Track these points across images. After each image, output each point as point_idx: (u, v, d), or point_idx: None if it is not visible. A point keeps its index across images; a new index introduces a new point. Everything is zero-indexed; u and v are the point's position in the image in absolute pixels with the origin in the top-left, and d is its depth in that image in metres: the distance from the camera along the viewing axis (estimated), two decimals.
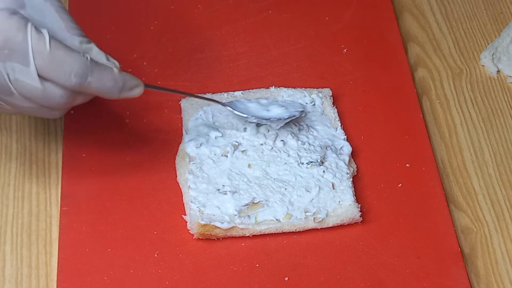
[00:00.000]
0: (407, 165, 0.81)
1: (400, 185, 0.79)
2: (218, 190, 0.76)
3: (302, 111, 0.81)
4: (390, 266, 0.74)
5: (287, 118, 0.79)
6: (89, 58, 0.67)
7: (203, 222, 0.74)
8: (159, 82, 0.85)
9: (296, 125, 0.81)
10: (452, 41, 0.93)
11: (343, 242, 0.75)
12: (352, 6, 0.94)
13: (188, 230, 0.75)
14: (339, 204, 0.76)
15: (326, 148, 0.80)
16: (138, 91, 0.71)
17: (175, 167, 0.79)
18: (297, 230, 0.75)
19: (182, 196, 0.77)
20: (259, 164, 0.78)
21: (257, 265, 0.74)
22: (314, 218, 0.75)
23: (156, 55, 0.87)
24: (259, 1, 0.93)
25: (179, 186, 0.78)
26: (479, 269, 0.76)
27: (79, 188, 0.77)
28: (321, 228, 0.76)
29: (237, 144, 0.79)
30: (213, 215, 0.75)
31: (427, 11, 0.95)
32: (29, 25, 0.65)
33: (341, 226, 0.76)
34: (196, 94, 0.80)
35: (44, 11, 0.69)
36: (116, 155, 0.80)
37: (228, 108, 0.79)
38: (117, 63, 0.70)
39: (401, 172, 0.80)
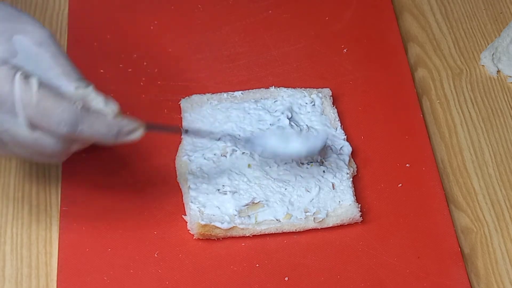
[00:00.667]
0: (407, 165, 0.81)
1: (400, 185, 0.79)
2: (218, 190, 0.76)
3: (323, 145, 0.78)
4: (390, 266, 0.74)
5: (304, 154, 0.77)
6: (79, 106, 0.65)
7: (203, 222, 0.74)
8: (159, 82, 0.85)
9: (297, 126, 0.81)
10: (452, 41, 0.93)
11: (343, 242, 0.75)
12: (352, 6, 0.94)
13: (188, 230, 0.75)
14: (339, 204, 0.76)
15: (326, 148, 0.80)
16: (136, 135, 0.69)
17: (175, 167, 0.79)
18: (297, 230, 0.75)
19: (182, 196, 0.77)
20: (259, 164, 0.78)
21: (257, 265, 0.74)
22: (314, 218, 0.75)
23: (156, 55, 0.87)
24: (259, 1, 0.93)
25: (179, 186, 0.78)
26: (479, 269, 0.76)
27: (79, 188, 0.77)
28: (321, 228, 0.76)
29: (235, 148, 0.79)
30: (213, 215, 0.75)
31: (427, 11, 0.95)
32: (17, 75, 0.64)
33: (341, 226, 0.76)
34: (200, 130, 0.78)
35: (38, 57, 0.67)
36: (116, 155, 0.80)
37: (243, 143, 0.77)
38: (115, 108, 0.68)
39: (401, 172, 0.80)
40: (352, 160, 0.80)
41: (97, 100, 0.67)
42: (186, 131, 0.81)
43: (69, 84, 0.66)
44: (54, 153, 0.67)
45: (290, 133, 0.79)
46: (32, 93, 0.64)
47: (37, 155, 0.68)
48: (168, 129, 0.76)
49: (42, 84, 0.65)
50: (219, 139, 0.78)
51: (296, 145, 0.76)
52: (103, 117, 0.67)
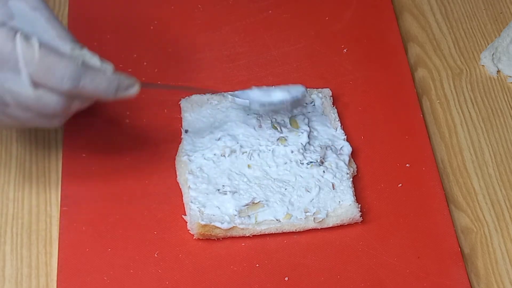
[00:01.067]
0: (407, 165, 0.81)
1: (400, 185, 0.79)
2: (218, 190, 0.76)
3: (304, 92, 0.81)
4: (390, 266, 0.74)
5: (290, 100, 0.80)
6: (80, 62, 0.67)
7: (203, 223, 0.74)
8: (159, 82, 0.85)
9: (295, 129, 0.81)
10: (452, 41, 0.93)
11: (343, 242, 0.75)
12: (352, 6, 0.94)
13: (188, 230, 0.75)
14: (339, 204, 0.76)
15: (326, 148, 0.80)
16: (134, 90, 0.71)
17: (175, 167, 0.79)
18: (297, 230, 0.75)
19: (182, 196, 0.77)
20: (259, 164, 0.78)
21: (257, 265, 0.74)
22: (314, 218, 0.75)
23: (156, 55, 0.87)
24: (259, 1, 0.93)
25: (179, 186, 0.78)
26: (479, 269, 0.76)
27: (79, 188, 0.77)
28: (321, 228, 0.76)
29: (235, 148, 0.79)
30: (213, 215, 0.75)
31: (427, 11, 0.95)
32: (18, 34, 0.66)
33: (341, 226, 0.76)
34: (193, 87, 0.79)
35: (34, 21, 0.69)
36: (116, 155, 0.80)
37: (230, 96, 0.80)
38: (110, 66, 0.70)
39: (401, 172, 0.80)
40: (352, 160, 0.80)
41: (93, 60, 0.69)
42: (186, 131, 0.81)
43: (65, 45, 0.68)
44: (56, 112, 0.68)
45: (271, 88, 0.81)
46: (34, 50, 0.66)
47: (39, 117, 0.69)
48: (162, 87, 0.78)
49: (42, 43, 0.66)
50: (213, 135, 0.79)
51: (280, 94, 0.80)
52: (103, 72, 0.69)
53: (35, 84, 0.66)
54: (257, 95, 0.80)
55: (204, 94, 0.82)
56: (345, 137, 0.81)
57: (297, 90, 0.80)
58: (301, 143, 0.79)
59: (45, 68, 0.66)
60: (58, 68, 0.66)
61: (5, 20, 0.68)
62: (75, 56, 0.68)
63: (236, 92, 0.80)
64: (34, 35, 0.67)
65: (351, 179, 0.78)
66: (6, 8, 0.68)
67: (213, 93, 0.82)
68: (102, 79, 0.69)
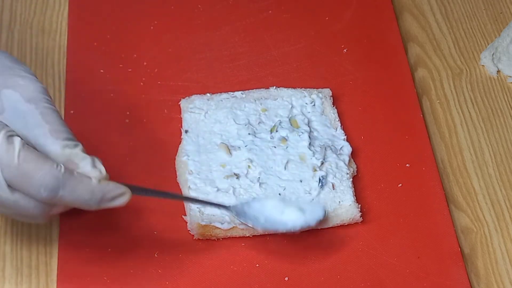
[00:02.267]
0: (407, 165, 0.81)
1: (400, 185, 0.79)
2: (218, 190, 0.76)
3: (321, 220, 0.74)
4: (390, 266, 0.74)
5: (300, 227, 0.73)
6: (62, 170, 0.63)
7: (203, 223, 0.74)
8: (159, 82, 0.85)
9: (295, 129, 0.81)
10: (452, 41, 0.93)
11: (343, 242, 0.75)
12: (352, 6, 0.94)
13: (189, 230, 0.75)
14: (339, 204, 0.76)
15: (326, 148, 0.80)
16: (122, 200, 0.66)
17: (175, 167, 0.79)
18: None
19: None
20: (259, 165, 0.78)
21: (257, 265, 0.74)
22: None
23: (156, 55, 0.87)
24: (259, 1, 0.93)
25: (179, 187, 0.78)
26: (479, 269, 0.76)
27: None
28: (321, 228, 0.76)
29: (235, 149, 0.79)
30: (213, 215, 0.75)
31: (427, 11, 0.95)
32: (1, 134, 0.62)
33: (341, 226, 0.76)
34: (193, 198, 0.75)
35: (27, 114, 0.66)
36: (116, 155, 0.80)
37: (233, 215, 0.74)
38: (103, 171, 0.66)
39: (401, 172, 0.80)
40: (352, 160, 0.80)
41: (84, 162, 0.65)
42: (186, 131, 0.81)
43: (56, 142, 0.65)
44: (34, 215, 0.65)
45: (290, 202, 0.75)
46: (14, 154, 0.62)
47: (18, 216, 0.67)
48: (159, 195, 0.73)
49: (25, 145, 0.63)
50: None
51: (293, 216, 0.73)
52: (87, 181, 0.64)
53: (12, 188, 0.63)
54: (269, 207, 0.74)
55: (194, 203, 0.76)
56: (345, 137, 0.81)
57: (314, 214, 0.73)
58: (305, 145, 0.79)
59: (23, 175, 0.62)
60: (37, 177, 0.62)
61: None
62: (63, 157, 0.65)
63: (248, 200, 0.75)
64: (20, 133, 0.64)
65: (351, 179, 0.78)
66: None
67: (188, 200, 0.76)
68: (84, 190, 0.64)
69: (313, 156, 0.79)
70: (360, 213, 0.76)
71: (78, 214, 0.75)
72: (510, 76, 0.90)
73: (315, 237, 0.75)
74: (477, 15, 0.95)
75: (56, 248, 0.74)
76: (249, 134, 0.80)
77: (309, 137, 0.80)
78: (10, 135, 0.63)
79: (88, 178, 0.65)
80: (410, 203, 0.78)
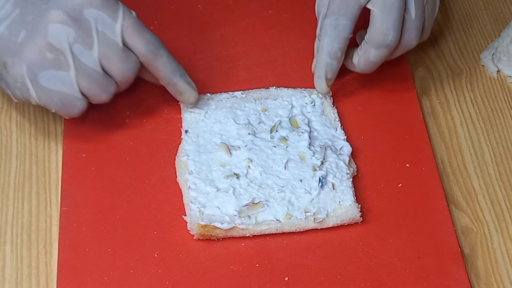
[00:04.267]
0: (407, 165, 0.81)
1: (400, 185, 0.79)
2: (218, 190, 0.76)
3: None
4: (390, 266, 0.74)
5: None
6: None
7: (203, 223, 0.74)
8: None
9: (295, 129, 0.81)
10: (452, 41, 0.93)
11: (343, 242, 0.75)
12: None
13: (189, 231, 0.75)
14: (339, 205, 0.76)
15: (326, 148, 0.80)
16: (190, 96, 0.80)
17: (175, 167, 0.79)
18: (297, 230, 0.75)
19: (182, 197, 0.77)
20: (259, 164, 0.78)
21: (257, 265, 0.74)
22: (314, 219, 0.75)
23: None
24: (259, 1, 0.93)
25: (179, 187, 0.78)
26: (479, 269, 0.76)
27: (79, 188, 0.77)
28: (321, 228, 0.76)
29: (235, 149, 0.79)
30: (213, 215, 0.75)
31: None
32: (120, 5, 0.75)
33: (341, 226, 0.76)
34: None
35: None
36: (116, 155, 0.80)
37: None
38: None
39: (401, 172, 0.80)
40: (352, 160, 0.80)
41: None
42: (186, 131, 0.81)
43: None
44: (82, 107, 0.75)
45: None
46: (132, 13, 0.75)
47: (71, 97, 0.74)
48: None
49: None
50: None
51: None
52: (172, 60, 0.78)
53: (124, 42, 0.74)
54: None
55: None
56: (345, 137, 0.81)
57: None
58: (305, 145, 0.79)
59: (137, 27, 0.75)
60: (147, 32, 0.76)
61: None
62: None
63: None
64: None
65: (351, 179, 0.78)
66: None
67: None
68: (174, 59, 0.78)
69: (313, 156, 0.79)
70: (360, 213, 0.76)
71: (78, 213, 0.76)
72: (510, 76, 0.90)
73: (315, 237, 0.75)
74: (477, 15, 0.95)
75: (56, 248, 0.74)
76: (249, 134, 0.80)
77: (309, 137, 0.80)
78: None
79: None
80: (410, 203, 0.78)
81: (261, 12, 0.92)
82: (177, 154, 0.79)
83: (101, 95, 0.75)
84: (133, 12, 0.76)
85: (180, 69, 0.79)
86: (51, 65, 0.73)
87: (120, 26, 0.74)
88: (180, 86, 0.79)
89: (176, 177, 0.78)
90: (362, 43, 0.81)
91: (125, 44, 0.75)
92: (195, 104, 0.82)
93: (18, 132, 0.82)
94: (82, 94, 0.75)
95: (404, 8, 0.78)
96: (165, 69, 0.78)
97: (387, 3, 0.78)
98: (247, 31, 0.90)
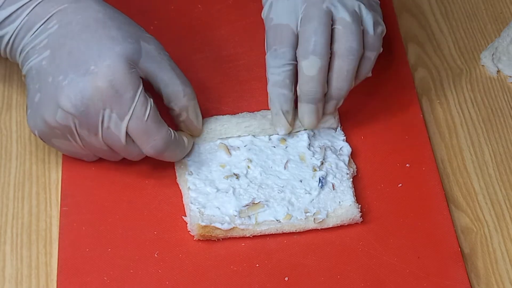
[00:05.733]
0: (407, 165, 0.81)
1: (400, 185, 0.79)
2: (218, 190, 0.76)
3: None
4: (390, 266, 0.74)
5: None
6: (172, 136, 0.75)
7: (203, 223, 0.74)
8: None
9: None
10: (452, 41, 0.93)
11: (343, 242, 0.75)
12: None
13: (189, 231, 0.75)
14: (339, 205, 0.76)
15: (326, 148, 0.80)
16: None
17: (175, 168, 0.79)
18: (297, 231, 0.75)
19: (181, 197, 0.77)
20: (259, 165, 0.78)
21: (257, 265, 0.74)
22: (314, 219, 0.75)
23: None
24: (259, 1, 0.93)
25: (179, 187, 0.78)
26: (479, 269, 0.76)
27: (79, 188, 0.77)
28: (321, 228, 0.76)
29: (234, 149, 0.79)
30: (213, 216, 0.75)
31: (427, 11, 0.95)
32: (141, 87, 0.73)
33: (341, 226, 0.76)
34: None
35: (159, 61, 0.75)
36: None
37: None
38: (199, 127, 0.79)
39: (401, 172, 0.80)
40: (352, 160, 0.80)
41: (193, 115, 0.78)
42: None
43: (183, 90, 0.76)
44: (129, 158, 0.76)
45: None
46: (146, 111, 0.73)
47: (109, 152, 0.76)
48: None
49: (154, 106, 0.73)
50: None
51: None
52: (183, 143, 0.76)
53: (128, 138, 0.73)
54: None
55: None
56: (345, 137, 0.81)
57: None
58: (304, 145, 0.79)
59: (144, 131, 0.73)
60: (154, 137, 0.74)
61: (136, 58, 0.73)
62: (183, 105, 0.76)
63: None
64: (157, 76, 0.75)
65: (351, 180, 0.78)
66: (138, 46, 0.74)
67: None
68: (180, 151, 0.77)
69: (313, 156, 0.79)
70: (360, 214, 0.76)
71: (78, 213, 0.76)
72: (510, 76, 0.90)
73: (315, 237, 0.75)
74: (477, 15, 0.95)
75: (56, 248, 0.74)
76: (248, 134, 0.80)
77: (308, 137, 0.80)
78: (146, 94, 0.73)
79: (183, 140, 0.77)
80: (410, 203, 0.78)
81: (261, 12, 0.92)
82: None
83: (111, 159, 0.77)
84: (149, 108, 0.73)
85: (184, 153, 0.78)
86: (60, 136, 0.75)
87: (125, 126, 0.73)
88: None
89: (176, 177, 0.78)
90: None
91: (130, 136, 0.74)
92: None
93: (18, 132, 0.82)
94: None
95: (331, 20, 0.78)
96: (168, 160, 0.77)
97: (306, 17, 0.77)
98: (247, 31, 0.90)
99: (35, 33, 0.74)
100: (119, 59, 0.72)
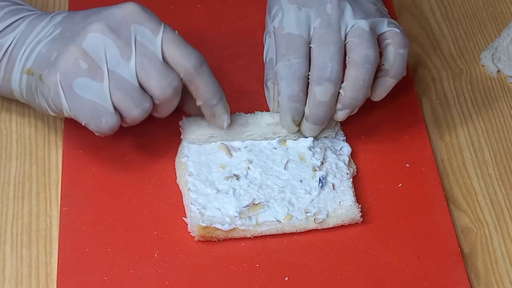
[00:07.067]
0: (407, 165, 0.81)
1: (400, 185, 0.79)
2: (218, 191, 0.76)
3: None
4: (390, 266, 0.74)
5: None
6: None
7: (203, 224, 0.74)
8: None
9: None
10: (452, 41, 0.93)
11: (343, 242, 0.75)
12: None
13: (189, 232, 0.75)
14: (339, 205, 0.76)
15: (326, 149, 0.80)
16: (226, 120, 0.78)
17: (175, 168, 0.79)
18: (297, 231, 0.75)
19: (182, 197, 0.77)
20: (259, 165, 0.78)
21: (257, 265, 0.74)
22: (314, 219, 0.75)
23: None
24: (259, 1, 0.93)
25: (179, 188, 0.77)
26: (479, 269, 0.76)
27: (79, 188, 0.77)
28: (321, 229, 0.76)
29: (234, 149, 0.79)
30: (214, 217, 0.75)
31: (427, 11, 0.95)
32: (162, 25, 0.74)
33: (341, 226, 0.76)
34: None
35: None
36: (116, 155, 0.80)
37: None
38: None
39: (401, 172, 0.80)
40: (352, 160, 0.80)
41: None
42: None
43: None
44: (113, 123, 0.72)
45: None
46: (175, 33, 0.74)
47: (103, 112, 0.72)
48: None
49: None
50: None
51: None
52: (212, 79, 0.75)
53: (165, 58, 0.73)
54: None
55: None
56: (345, 137, 0.81)
57: None
58: (304, 145, 0.79)
59: (179, 42, 0.73)
60: (189, 47, 0.74)
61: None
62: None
63: None
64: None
65: (351, 180, 0.78)
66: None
67: None
68: (215, 80, 0.75)
69: (313, 156, 0.79)
70: (360, 213, 0.76)
71: (78, 213, 0.76)
72: (510, 76, 0.90)
73: (315, 237, 0.75)
74: (477, 15, 0.95)
75: (56, 248, 0.74)
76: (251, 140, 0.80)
77: (313, 141, 0.80)
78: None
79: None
80: (410, 203, 0.78)
81: (261, 12, 0.92)
82: (177, 155, 0.79)
83: (134, 110, 0.72)
84: (176, 31, 0.74)
85: (220, 91, 0.76)
86: (85, 74, 0.71)
87: (160, 39, 0.72)
88: (218, 109, 0.77)
89: (176, 178, 0.78)
90: (308, 90, 0.77)
91: (165, 60, 0.73)
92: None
93: (18, 132, 0.82)
94: (115, 108, 0.72)
95: (345, 44, 0.77)
96: (206, 88, 0.75)
97: (322, 38, 0.76)
98: (247, 31, 0.90)
99: (36, 34, 0.75)
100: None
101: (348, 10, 0.77)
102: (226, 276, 0.73)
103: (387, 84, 0.79)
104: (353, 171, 0.79)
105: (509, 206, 0.80)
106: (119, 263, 0.73)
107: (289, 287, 0.73)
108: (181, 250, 0.74)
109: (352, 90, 0.76)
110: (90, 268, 0.72)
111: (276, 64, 0.78)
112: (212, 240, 0.74)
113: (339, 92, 0.77)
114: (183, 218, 0.75)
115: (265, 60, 0.84)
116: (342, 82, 0.76)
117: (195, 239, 0.74)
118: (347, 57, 0.77)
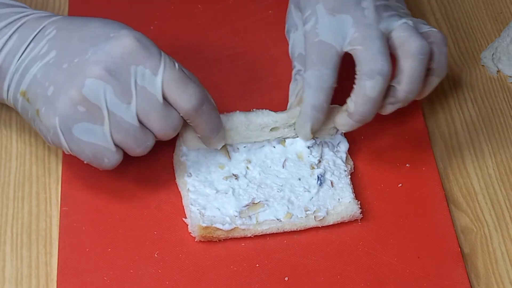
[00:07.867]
0: (407, 165, 0.81)
1: (400, 185, 0.79)
2: (218, 191, 0.76)
3: None
4: (390, 266, 0.74)
5: None
6: (206, 92, 0.74)
7: (204, 224, 0.74)
8: None
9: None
10: (452, 41, 0.93)
11: (343, 242, 0.75)
12: None
13: (190, 233, 0.75)
14: (338, 202, 0.77)
15: (323, 145, 0.79)
16: (220, 145, 0.77)
17: (174, 168, 0.79)
18: (298, 229, 0.75)
19: (181, 197, 0.77)
20: (257, 164, 0.78)
21: (257, 265, 0.74)
22: (315, 217, 0.75)
23: None
24: (259, 1, 0.93)
25: (178, 188, 0.77)
26: (479, 269, 0.76)
27: (79, 188, 0.77)
28: (321, 228, 0.76)
29: (233, 149, 0.79)
30: (214, 217, 0.75)
31: (427, 11, 0.95)
32: (163, 53, 0.72)
33: (341, 226, 0.76)
34: None
35: None
36: None
37: None
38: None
39: (401, 172, 0.80)
40: (349, 157, 0.80)
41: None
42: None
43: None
44: (115, 161, 0.72)
45: None
46: (175, 63, 0.72)
47: (108, 151, 0.71)
48: None
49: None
50: None
51: None
52: (216, 109, 0.75)
53: (166, 99, 0.71)
54: None
55: None
56: (342, 132, 0.81)
57: None
58: (303, 144, 0.79)
59: (180, 81, 0.71)
60: (190, 86, 0.71)
61: None
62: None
63: None
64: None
65: (349, 176, 0.78)
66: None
67: None
68: (217, 114, 0.74)
69: (310, 154, 0.79)
70: (360, 210, 0.76)
71: (78, 213, 0.76)
72: (510, 76, 0.90)
73: (315, 237, 0.75)
74: (477, 15, 0.95)
75: (56, 248, 0.74)
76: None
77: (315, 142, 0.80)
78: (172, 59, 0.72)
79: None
80: (410, 203, 0.78)
81: (261, 12, 0.92)
82: (175, 152, 0.79)
83: (136, 149, 0.72)
84: (177, 64, 0.72)
85: (220, 126, 0.75)
86: (85, 119, 0.70)
87: (161, 80, 0.70)
88: (215, 140, 0.76)
89: (175, 178, 0.78)
90: (354, 85, 0.75)
91: (166, 99, 0.71)
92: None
93: (18, 132, 0.82)
94: (116, 146, 0.72)
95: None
96: (205, 126, 0.74)
97: (366, 37, 0.75)
98: (247, 31, 0.90)
99: (29, 46, 0.72)
100: (133, 30, 0.72)
101: (386, 14, 0.76)
102: (226, 276, 0.73)
103: (432, 82, 0.78)
104: (351, 168, 0.79)
105: (509, 206, 0.80)
106: (119, 263, 0.73)
107: (289, 287, 0.73)
108: (181, 250, 0.74)
109: (408, 82, 0.74)
110: (90, 268, 0.73)
111: (305, 71, 0.76)
112: (213, 240, 0.74)
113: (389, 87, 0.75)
114: (183, 219, 0.75)
115: (292, 55, 0.83)
116: (392, 77, 0.75)
117: (196, 240, 0.74)
118: (396, 52, 0.75)
